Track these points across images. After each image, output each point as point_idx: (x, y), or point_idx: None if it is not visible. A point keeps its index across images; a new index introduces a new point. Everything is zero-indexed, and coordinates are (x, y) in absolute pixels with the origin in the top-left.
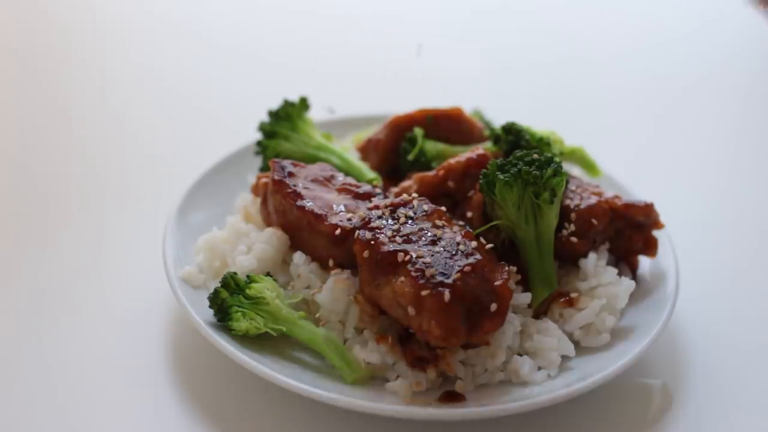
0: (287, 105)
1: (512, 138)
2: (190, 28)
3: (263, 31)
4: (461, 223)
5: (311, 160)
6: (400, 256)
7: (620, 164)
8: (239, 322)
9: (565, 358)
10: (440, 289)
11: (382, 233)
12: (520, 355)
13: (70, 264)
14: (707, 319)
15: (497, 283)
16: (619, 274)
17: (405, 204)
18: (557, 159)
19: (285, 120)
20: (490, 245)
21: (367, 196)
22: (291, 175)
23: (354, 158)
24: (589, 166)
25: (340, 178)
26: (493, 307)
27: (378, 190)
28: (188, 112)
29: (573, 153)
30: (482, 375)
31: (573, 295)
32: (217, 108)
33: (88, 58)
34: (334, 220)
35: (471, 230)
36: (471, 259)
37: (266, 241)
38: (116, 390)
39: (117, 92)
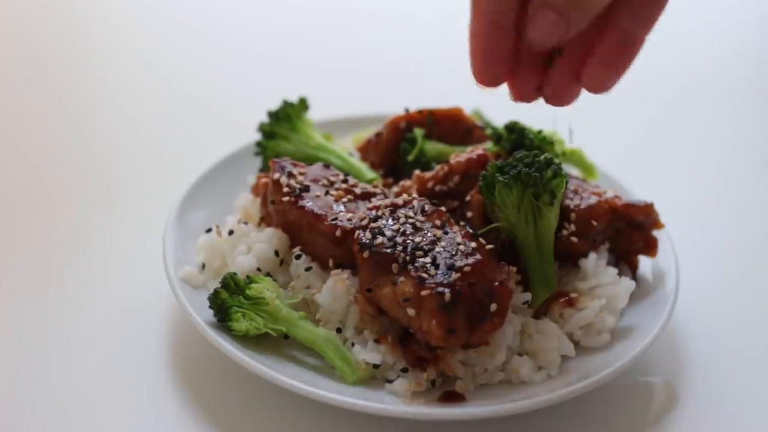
0: (286, 105)
1: (515, 137)
2: (191, 27)
3: (262, 30)
4: (461, 223)
5: (311, 160)
6: (400, 256)
7: (619, 164)
8: (239, 323)
9: (565, 358)
10: (440, 289)
11: (382, 233)
12: (520, 355)
13: (69, 263)
14: (707, 319)
15: (497, 283)
16: (619, 274)
17: (405, 204)
18: (557, 160)
19: (284, 120)
20: (490, 246)
21: (367, 196)
22: (291, 175)
23: (354, 158)
24: (586, 168)
25: (340, 178)
26: (493, 307)
27: (378, 191)
28: (188, 112)
29: (572, 154)
30: (482, 375)
31: (573, 295)
32: (217, 108)
33: (89, 57)
34: (334, 220)
35: (471, 230)
36: (471, 260)
37: (266, 241)
38: (116, 390)
39: (118, 92)
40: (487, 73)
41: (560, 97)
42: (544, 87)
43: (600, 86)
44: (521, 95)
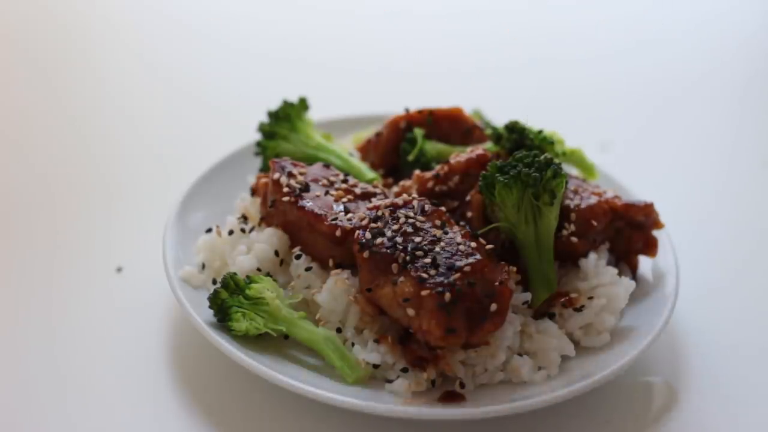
0: (286, 105)
1: (516, 136)
2: (191, 27)
3: (262, 30)
4: (461, 223)
5: (311, 160)
6: (400, 256)
7: (619, 164)
8: (239, 323)
9: (565, 358)
10: (440, 289)
11: (382, 233)
12: (520, 355)
13: (69, 263)
14: (707, 319)
15: (497, 283)
16: (619, 274)
17: (405, 204)
18: (557, 160)
19: (284, 120)
20: (490, 246)
21: (367, 196)
22: (291, 175)
23: (354, 158)
24: (586, 168)
25: (340, 178)
26: (493, 307)
27: (378, 191)
28: (188, 112)
29: (572, 154)
30: (482, 375)
31: (573, 295)
32: (217, 108)
33: (89, 57)
34: (334, 220)
35: (471, 230)
36: (471, 259)
37: (266, 241)
38: (116, 390)
39: (118, 92)
40: None
41: None
42: None
43: None
44: None
